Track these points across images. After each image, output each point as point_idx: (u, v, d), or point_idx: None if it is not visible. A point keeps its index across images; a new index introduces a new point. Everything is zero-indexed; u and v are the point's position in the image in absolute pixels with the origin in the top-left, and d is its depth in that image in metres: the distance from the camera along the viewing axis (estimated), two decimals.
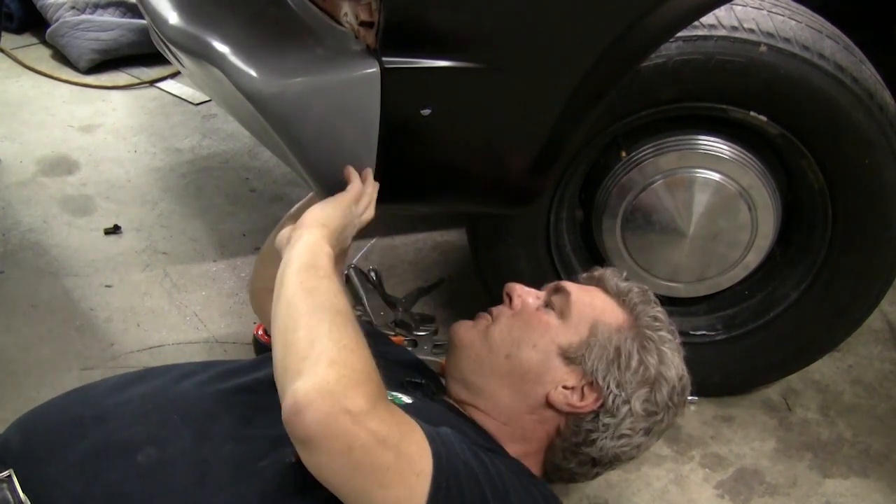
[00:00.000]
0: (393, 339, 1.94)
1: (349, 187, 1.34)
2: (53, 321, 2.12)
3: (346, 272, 2.31)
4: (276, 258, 1.61)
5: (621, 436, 1.34)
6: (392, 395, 1.33)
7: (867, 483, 1.87)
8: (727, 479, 1.86)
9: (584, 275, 1.50)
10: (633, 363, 1.33)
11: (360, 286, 2.27)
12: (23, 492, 1.13)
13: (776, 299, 1.95)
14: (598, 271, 1.47)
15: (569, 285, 1.42)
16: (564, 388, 1.33)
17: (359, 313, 2.17)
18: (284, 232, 1.30)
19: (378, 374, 1.10)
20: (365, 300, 2.23)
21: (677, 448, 1.92)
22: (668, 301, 1.93)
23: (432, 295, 2.31)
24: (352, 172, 1.36)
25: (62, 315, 2.15)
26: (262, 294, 1.67)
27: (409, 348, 2.02)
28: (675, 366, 1.37)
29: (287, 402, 1.03)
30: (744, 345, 1.97)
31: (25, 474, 1.15)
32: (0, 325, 2.10)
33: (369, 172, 1.38)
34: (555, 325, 1.36)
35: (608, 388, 1.32)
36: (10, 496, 1.13)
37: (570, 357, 1.33)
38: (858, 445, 1.96)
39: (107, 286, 2.26)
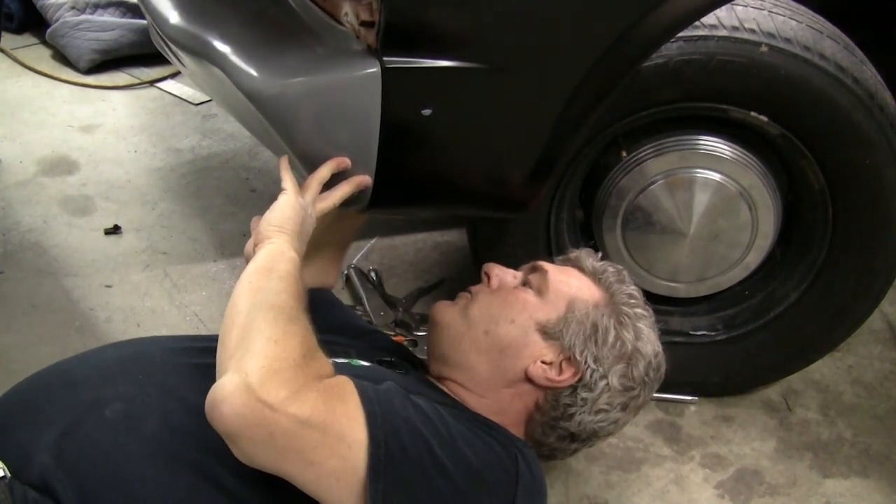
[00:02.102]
0: (393, 339, 1.94)
1: (283, 184, 1.35)
2: (53, 321, 2.12)
3: (346, 272, 2.31)
4: None
5: (599, 410, 1.36)
6: (349, 360, 1.38)
7: (867, 483, 1.87)
8: (727, 479, 1.86)
9: (560, 257, 1.52)
10: (610, 338, 1.35)
11: (360, 286, 2.27)
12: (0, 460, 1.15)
13: (776, 299, 1.95)
14: (574, 253, 1.49)
15: (545, 264, 1.44)
16: (543, 362, 1.34)
17: (359, 312, 2.17)
18: (249, 246, 1.33)
19: (310, 359, 1.12)
20: (365, 300, 2.23)
21: (677, 448, 1.92)
22: (668, 301, 1.94)
23: (432, 295, 2.31)
24: (282, 167, 1.37)
25: (62, 315, 2.15)
26: None
27: (410, 348, 2.02)
28: (651, 342, 1.39)
29: (207, 398, 1.06)
30: (744, 345, 1.97)
31: (0, 442, 1.18)
32: (0, 325, 2.10)
33: (284, 159, 1.38)
34: (532, 301, 1.38)
35: (585, 362, 1.34)
36: None
37: (547, 332, 1.35)
38: (858, 445, 1.96)
39: (107, 286, 2.25)
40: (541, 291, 1.39)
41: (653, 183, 1.77)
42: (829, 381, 2.13)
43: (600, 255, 1.49)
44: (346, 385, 1.15)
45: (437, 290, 2.33)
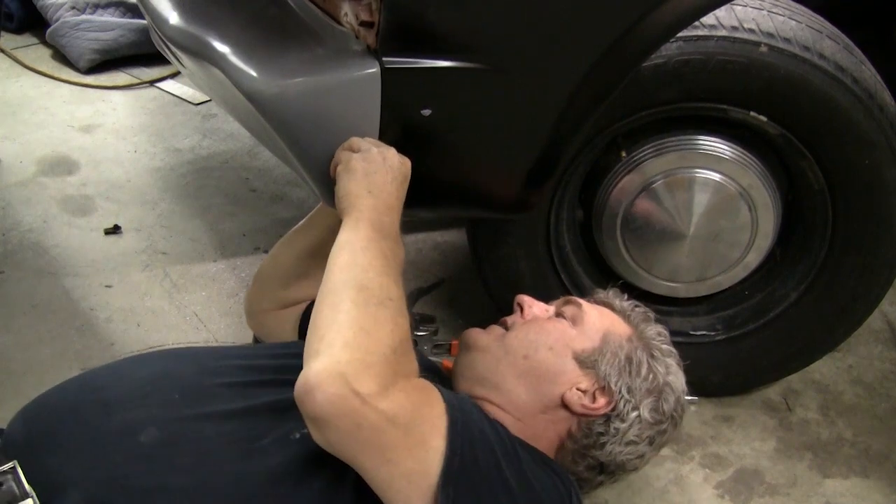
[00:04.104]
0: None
1: (348, 145, 1.35)
2: (53, 321, 2.12)
3: None
4: (273, 280, 1.62)
5: (629, 442, 1.36)
6: None
7: (867, 483, 1.87)
8: (727, 479, 1.87)
9: (586, 298, 1.52)
10: (643, 370, 1.37)
11: None
12: (27, 482, 1.14)
13: (776, 299, 1.95)
14: (601, 293, 1.51)
15: (578, 299, 1.46)
16: (578, 389, 1.35)
17: None
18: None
19: (400, 354, 1.13)
20: None
21: (677, 448, 1.92)
22: (668, 301, 1.94)
23: (432, 295, 2.31)
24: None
25: (62, 315, 2.15)
26: (260, 315, 1.67)
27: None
28: (679, 378, 1.42)
29: (300, 381, 1.07)
30: (744, 345, 1.97)
31: (29, 464, 1.16)
32: (0, 325, 2.10)
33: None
34: (569, 331, 1.39)
35: (620, 392, 1.35)
36: (15, 487, 1.14)
37: (583, 361, 1.36)
38: (858, 445, 1.96)
39: (107, 286, 2.26)
40: (576, 322, 1.40)
41: (652, 183, 1.77)
42: (829, 381, 2.13)
43: (626, 296, 1.51)
44: (432, 390, 1.17)
45: (437, 290, 2.33)
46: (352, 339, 1.09)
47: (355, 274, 1.17)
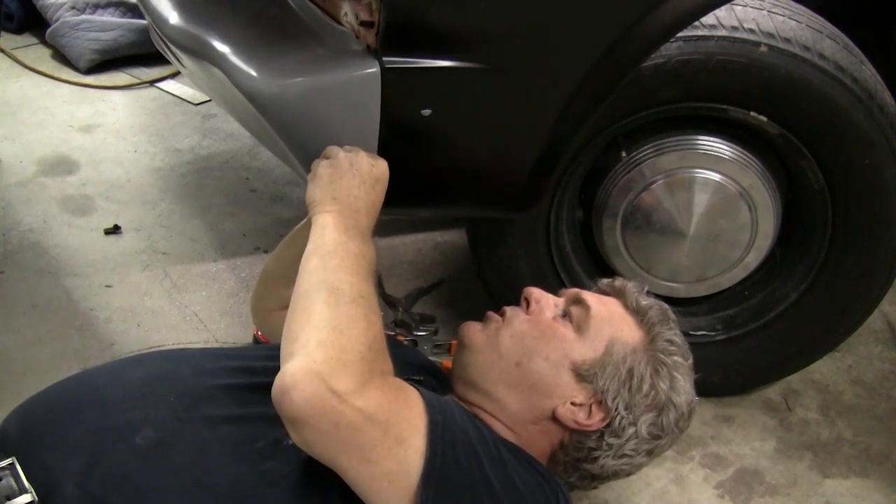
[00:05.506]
0: (397, 337, 1.94)
1: (324, 153, 1.35)
2: (53, 321, 2.12)
3: None
4: (277, 279, 1.62)
5: (623, 455, 1.33)
6: None
7: (867, 483, 1.87)
8: (727, 479, 1.87)
9: (606, 281, 1.46)
10: (645, 387, 1.31)
11: None
12: (26, 478, 1.14)
13: (776, 299, 1.95)
14: (620, 282, 1.44)
15: (589, 297, 1.38)
16: (573, 404, 1.30)
17: None
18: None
19: (375, 352, 1.12)
20: None
21: (677, 448, 1.91)
22: (668, 301, 1.93)
23: (432, 295, 2.31)
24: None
25: (62, 315, 2.15)
26: (265, 314, 1.68)
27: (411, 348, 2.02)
28: (685, 392, 1.35)
29: (276, 383, 1.06)
30: (744, 345, 1.97)
31: (26, 461, 1.16)
32: (0, 325, 2.10)
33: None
34: (570, 338, 1.33)
35: (616, 409, 1.30)
36: (14, 483, 1.14)
37: (581, 374, 1.31)
38: (858, 445, 1.96)
39: (107, 286, 2.26)
40: (580, 329, 1.34)
41: (653, 183, 1.77)
42: (829, 381, 2.13)
43: (646, 288, 1.43)
44: (410, 389, 1.15)
45: (437, 290, 2.33)
46: (326, 338, 1.08)
47: (325, 276, 1.17)
